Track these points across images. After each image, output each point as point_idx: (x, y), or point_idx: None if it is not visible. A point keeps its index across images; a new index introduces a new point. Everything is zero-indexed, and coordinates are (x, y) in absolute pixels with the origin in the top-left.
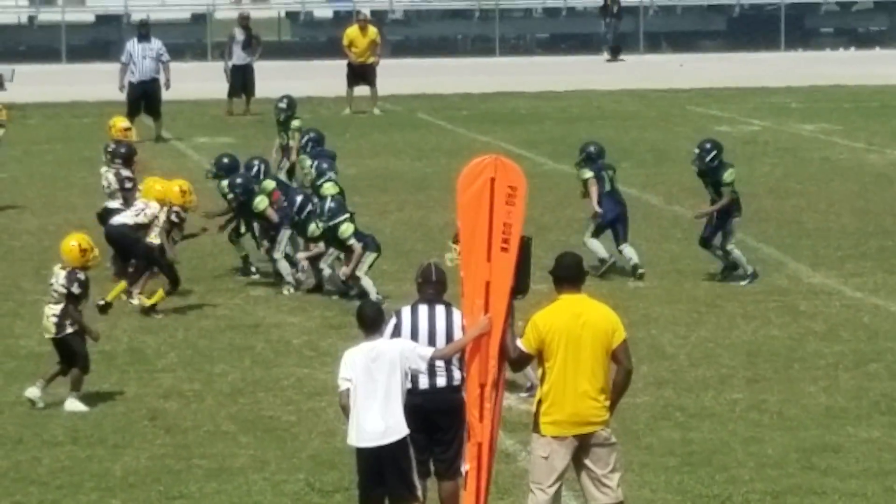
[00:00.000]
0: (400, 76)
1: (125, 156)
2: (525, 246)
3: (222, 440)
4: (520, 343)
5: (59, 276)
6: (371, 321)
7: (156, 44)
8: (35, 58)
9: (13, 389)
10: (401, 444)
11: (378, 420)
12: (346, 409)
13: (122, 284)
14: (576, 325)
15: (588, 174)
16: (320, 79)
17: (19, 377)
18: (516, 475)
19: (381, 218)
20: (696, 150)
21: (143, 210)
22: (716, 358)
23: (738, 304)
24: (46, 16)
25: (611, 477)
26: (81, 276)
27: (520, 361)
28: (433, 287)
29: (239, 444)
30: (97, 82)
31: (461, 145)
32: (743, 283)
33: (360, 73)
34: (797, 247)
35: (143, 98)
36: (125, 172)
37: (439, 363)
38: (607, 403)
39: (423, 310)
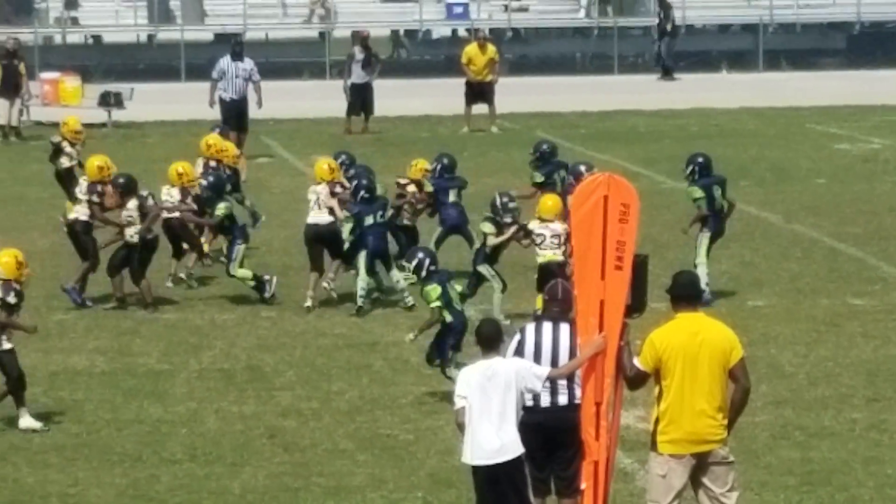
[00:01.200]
0: (518, 94)
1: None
2: (641, 264)
3: (340, 458)
4: (637, 362)
5: None
6: (488, 339)
7: (248, 63)
8: (154, 76)
9: (132, 407)
10: (516, 462)
11: (493, 438)
12: (461, 427)
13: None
14: (693, 343)
15: (699, 193)
16: (438, 97)
17: (138, 395)
18: (634, 494)
19: None
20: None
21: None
22: (835, 377)
23: (857, 322)
24: (166, 34)
25: (729, 496)
26: (17, 286)
27: (636, 380)
28: (558, 305)
29: (357, 462)
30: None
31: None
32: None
33: (479, 92)
34: None
35: (235, 116)
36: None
37: (561, 381)
38: (725, 422)
39: (546, 327)
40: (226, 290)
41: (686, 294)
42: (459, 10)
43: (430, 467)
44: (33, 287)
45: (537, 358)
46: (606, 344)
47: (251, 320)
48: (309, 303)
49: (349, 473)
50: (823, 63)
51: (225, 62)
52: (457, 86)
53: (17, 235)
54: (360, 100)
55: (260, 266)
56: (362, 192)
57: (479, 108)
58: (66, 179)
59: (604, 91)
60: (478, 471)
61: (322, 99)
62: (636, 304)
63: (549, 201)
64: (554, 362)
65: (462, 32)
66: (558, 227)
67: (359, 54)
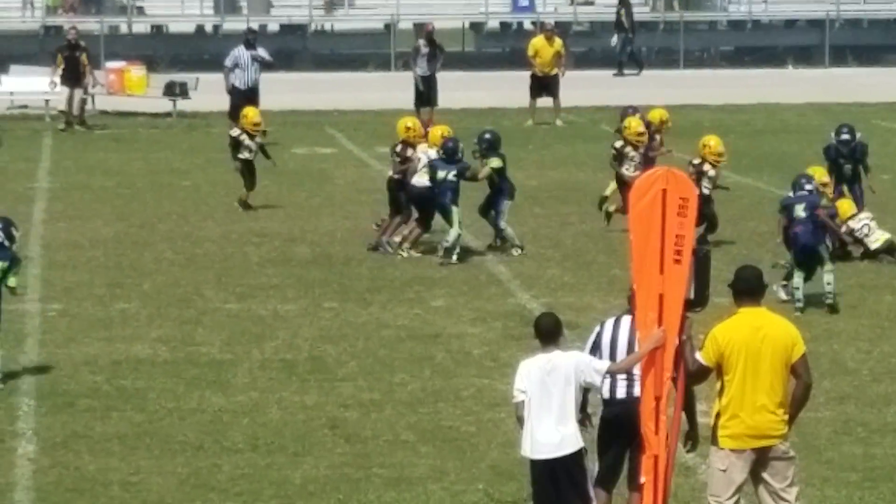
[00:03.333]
0: (583, 88)
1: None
2: (704, 258)
3: (401, 450)
4: (699, 356)
5: None
6: (548, 332)
7: (261, 51)
8: (219, 67)
9: (194, 396)
10: (576, 455)
11: (553, 432)
12: (521, 421)
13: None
14: (755, 338)
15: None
16: (503, 90)
17: (200, 384)
18: (696, 488)
19: (562, 229)
20: None
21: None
22: None
23: None
24: (231, 24)
25: (789, 491)
26: None
27: (698, 375)
28: None
29: (418, 453)
30: (282, 92)
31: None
32: (515, 252)
33: (544, 85)
34: None
35: (249, 103)
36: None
37: (637, 373)
38: (786, 417)
39: (625, 321)
40: (288, 280)
41: (748, 289)
42: (525, 2)
43: (491, 459)
44: (97, 275)
45: (612, 353)
46: (665, 338)
47: (314, 311)
48: (405, 254)
49: (410, 465)
50: (890, 59)
51: (239, 51)
52: (521, 79)
53: (80, 224)
54: (426, 92)
55: (322, 256)
56: (443, 152)
57: (544, 102)
58: (247, 171)
59: (669, 85)
60: (536, 464)
61: (387, 90)
62: (698, 299)
63: None
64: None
65: (528, 25)
66: None
67: (424, 47)
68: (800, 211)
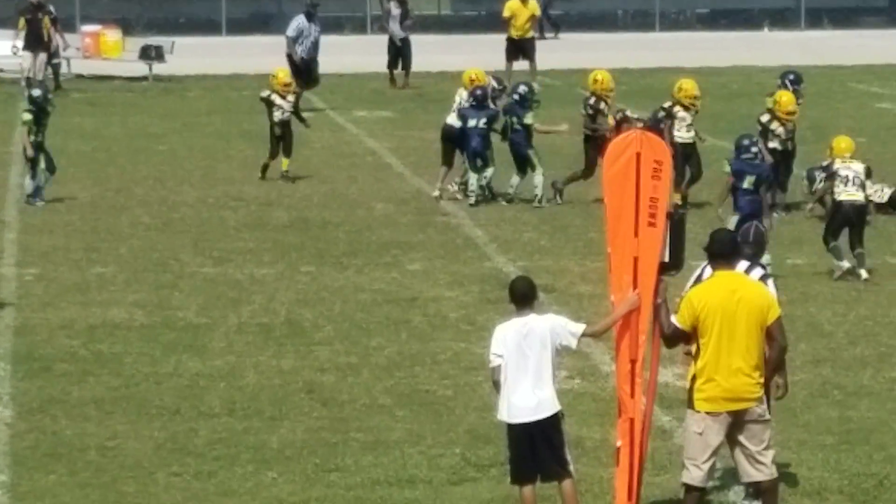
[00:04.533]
0: (559, 51)
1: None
2: (679, 221)
3: (378, 414)
4: (674, 319)
5: None
6: (523, 296)
7: (319, 24)
8: (195, 30)
9: (171, 361)
10: (552, 419)
11: (529, 396)
12: (497, 385)
13: None
14: (731, 301)
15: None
16: (479, 53)
17: (177, 348)
18: (672, 452)
19: None
20: None
21: None
22: (875, 336)
23: None
24: None
25: (765, 454)
26: None
27: (674, 338)
28: (749, 247)
29: (395, 417)
30: (257, 55)
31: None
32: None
33: (520, 48)
34: None
35: (305, 72)
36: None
37: None
38: (761, 380)
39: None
40: (265, 244)
41: (723, 252)
42: None
43: (468, 423)
44: (73, 239)
45: None
46: (640, 301)
47: (290, 275)
48: (437, 192)
49: (387, 428)
50: (865, 21)
51: (301, 22)
52: (497, 42)
53: (57, 188)
54: (398, 54)
55: (299, 220)
56: (472, 100)
57: (520, 65)
58: (282, 132)
59: (645, 48)
60: (513, 428)
61: (363, 54)
62: (673, 262)
63: None
64: None
65: None
66: None
67: (395, 9)
68: (747, 183)
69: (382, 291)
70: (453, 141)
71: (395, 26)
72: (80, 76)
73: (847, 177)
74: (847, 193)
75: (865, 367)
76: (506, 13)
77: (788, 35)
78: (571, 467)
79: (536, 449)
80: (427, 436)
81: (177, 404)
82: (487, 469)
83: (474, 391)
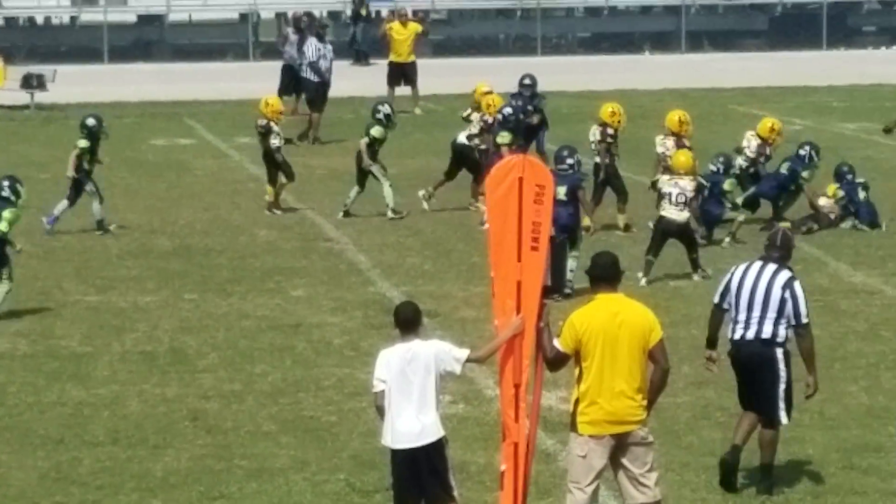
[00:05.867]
0: (442, 76)
1: None
2: (560, 246)
3: (263, 440)
4: (557, 343)
5: None
6: (407, 321)
7: (330, 46)
8: (77, 58)
9: (54, 390)
10: (437, 444)
11: (413, 421)
12: (381, 410)
13: None
14: (613, 324)
15: None
16: (361, 78)
17: (61, 377)
18: (556, 475)
19: (421, 217)
20: None
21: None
22: None
23: None
24: (88, 16)
25: (648, 476)
26: None
27: (557, 361)
28: (777, 251)
29: (279, 444)
30: (139, 82)
31: None
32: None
33: (402, 73)
34: (838, 245)
35: (322, 96)
36: None
37: (744, 315)
38: (644, 403)
39: (754, 267)
40: (148, 272)
41: (605, 275)
42: None
43: (352, 449)
44: None
45: (738, 297)
46: (524, 325)
47: (174, 302)
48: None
49: (272, 455)
50: (745, 44)
51: (315, 44)
52: (380, 68)
53: None
54: (291, 80)
55: (182, 247)
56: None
57: (403, 91)
58: (277, 159)
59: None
60: (397, 454)
61: (245, 81)
62: (555, 286)
63: None
64: (750, 304)
65: (385, 14)
66: None
67: (293, 36)
68: (561, 193)
69: (266, 318)
70: (460, 158)
71: (291, 52)
72: None
73: (671, 193)
74: (665, 210)
75: None
76: (386, 27)
77: (669, 58)
78: (456, 492)
79: (420, 474)
80: (312, 462)
81: (61, 433)
82: (372, 495)
83: (358, 417)
